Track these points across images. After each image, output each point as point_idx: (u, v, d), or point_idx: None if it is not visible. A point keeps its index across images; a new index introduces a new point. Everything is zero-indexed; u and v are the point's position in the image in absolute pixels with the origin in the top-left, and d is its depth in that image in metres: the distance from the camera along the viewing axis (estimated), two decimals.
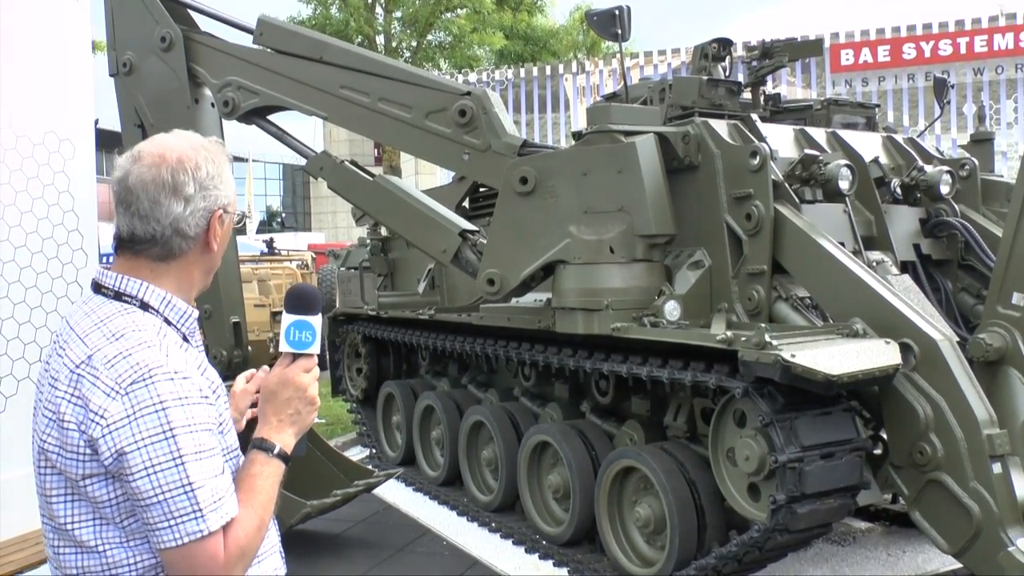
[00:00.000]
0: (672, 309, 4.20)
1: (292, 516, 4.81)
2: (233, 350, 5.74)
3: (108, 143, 12.52)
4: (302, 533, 5.52)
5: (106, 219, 7.18)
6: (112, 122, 6.11)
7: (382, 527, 5.95)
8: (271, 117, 5.69)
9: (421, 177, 18.85)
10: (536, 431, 5.38)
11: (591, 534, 4.96)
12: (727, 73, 5.68)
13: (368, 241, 8.04)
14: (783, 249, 4.28)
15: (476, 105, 4.75)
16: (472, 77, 18.64)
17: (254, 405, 1.95)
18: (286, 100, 5.40)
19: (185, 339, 1.60)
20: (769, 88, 6.29)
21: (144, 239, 1.57)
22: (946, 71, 14.03)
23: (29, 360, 4.07)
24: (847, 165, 4.61)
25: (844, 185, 4.58)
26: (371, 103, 5.10)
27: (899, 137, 5.59)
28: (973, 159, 5.37)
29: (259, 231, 30.18)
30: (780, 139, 4.93)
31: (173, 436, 1.42)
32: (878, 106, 6.37)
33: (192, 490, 1.42)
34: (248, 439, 1.65)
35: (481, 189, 6.62)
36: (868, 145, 5.27)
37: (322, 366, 7.23)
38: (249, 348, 6.10)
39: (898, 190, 5.11)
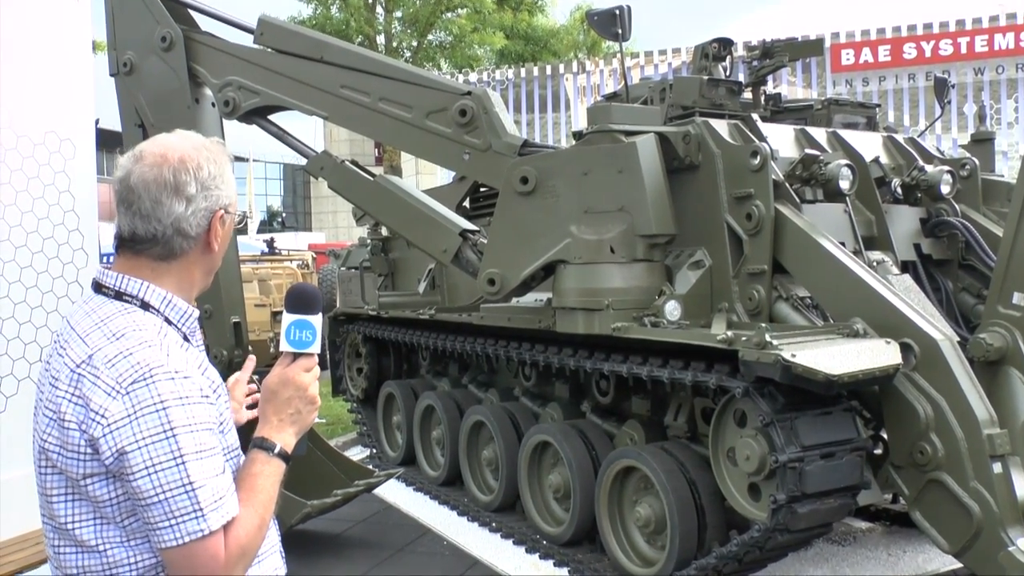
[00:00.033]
0: (672, 309, 4.20)
1: (292, 516, 4.81)
2: (234, 350, 5.74)
3: (109, 143, 12.53)
4: (302, 533, 5.52)
5: (107, 219, 7.18)
6: (113, 122, 6.11)
7: (382, 527, 5.95)
8: (272, 117, 5.69)
9: (422, 177, 18.84)
10: (536, 431, 5.38)
11: (591, 534, 4.96)
12: (728, 73, 5.68)
13: (368, 241, 8.05)
14: (784, 249, 4.28)
15: (477, 105, 4.75)
16: (473, 77, 18.64)
17: (253, 406, 1.95)
18: (287, 100, 5.40)
19: (186, 339, 1.61)
20: (770, 88, 6.29)
21: (145, 239, 1.57)
22: (947, 71, 14.04)
23: (30, 360, 4.07)
24: (848, 165, 4.61)
25: (845, 185, 4.58)
26: (371, 103, 5.10)
27: (900, 137, 5.59)
28: (974, 159, 5.37)
29: (260, 231, 30.20)
30: (781, 139, 4.93)
31: (174, 435, 1.42)
32: (879, 106, 6.37)
33: (193, 489, 1.42)
34: (248, 439, 1.65)
35: (482, 189, 6.62)
36: (869, 145, 5.27)
37: (322, 366, 7.22)
38: (250, 348, 6.10)
39: (899, 190, 5.11)
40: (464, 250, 4.81)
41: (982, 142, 5.79)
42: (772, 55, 5.67)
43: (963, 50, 15.16)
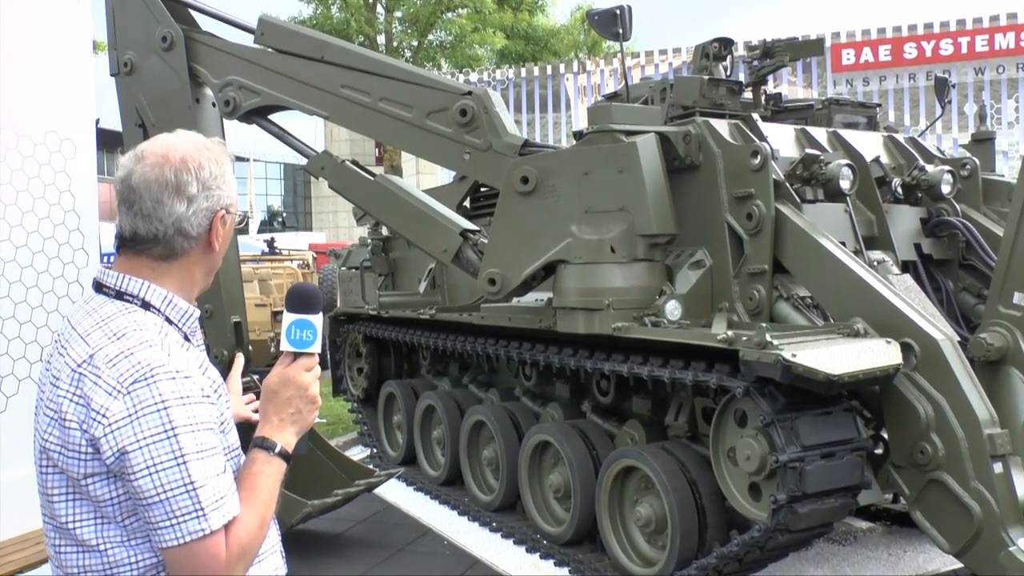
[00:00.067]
0: (673, 309, 4.20)
1: (293, 515, 4.81)
2: (234, 350, 5.74)
3: (109, 143, 12.53)
4: (303, 533, 5.52)
5: (107, 219, 7.18)
6: (113, 122, 6.11)
7: (383, 527, 5.95)
8: (272, 117, 5.69)
9: (422, 177, 18.83)
10: (537, 431, 5.38)
11: (592, 534, 4.96)
12: (728, 73, 5.68)
13: (369, 241, 8.05)
14: (784, 249, 4.28)
15: (477, 105, 4.75)
16: (473, 77, 18.63)
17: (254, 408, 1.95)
18: (287, 100, 5.40)
19: (186, 338, 1.61)
20: (770, 88, 6.29)
21: (146, 238, 1.57)
22: (947, 70, 14.03)
23: (30, 360, 4.07)
24: (848, 165, 4.61)
25: (845, 185, 4.58)
26: (372, 103, 5.10)
27: (900, 137, 5.59)
28: (974, 159, 5.37)
29: (260, 231, 30.24)
30: (781, 139, 4.93)
31: (175, 435, 1.42)
32: (879, 105, 6.37)
33: (194, 489, 1.42)
34: (249, 438, 1.65)
35: (482, 189, 6.62)
36: (869, 145, 5.27)
37: (323, 365, 7.22)
38: (250, 348, 6.10)
39: (899, 190, 5.11)
40: (464, 250, 4.81)
41: (982, 142, 5.79)
42: (772, 55, 5.68)
43: (964, 50, 15.16)
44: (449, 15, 22.72)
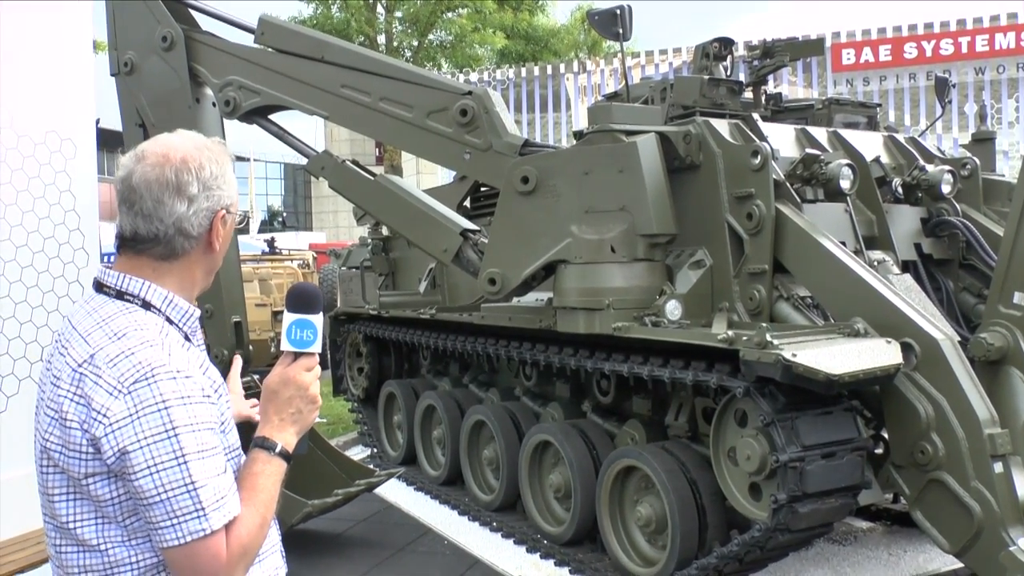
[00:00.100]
0: (673, 308, 4.20)
1: (293, 515, 4.81)
2: (234, 349, 5.74)
3: (109, 143, 12.52)
4: (303, 532, 5.53)
5: (107, 219, 7.18)
6: (113, 122, 6.11)
7: (383, 526, 5.95)
8: (272, 116, 5.69)
9: (422, 176, 18.83)
10: (537, 430, 5.38)
11: (592, 533, 4.96)
12: (728, 72, 5.68)
13: (369, 240, 8.04)
14: (784, 248, 4.28)
15: (477, 104, 4.76)
16: (473, 76, 18.62)
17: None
18: (287, 99, 5.40)
19: (187, 338, 1.61)
20: (770, 87, 6.29)
21: (147, 238, 1.57)
22: (947, 70, 14.02)
23: (31, 359, 4.07)
24: (848, 164, 4.61)
25: (845, 184, 4.58)
26: (372, 102, 5.10)
27: (900, 136, 5.59)
28: (974, 158, 5.37)
29: (260, 231, 30.24)
30: (781, 138, 4.93)
31: (176, 435, 1.42)
32: (879, 105, 6.37)
33: (195, 489, 1.42)
34: (249, 438, 1.65)
35: (482, 188, 6.62)
36: (869, 144, 5.27)
37: (323, 365, 7.22)
38: (251, 347, 6.10)
39: (899, 189, 5.11)
40: (465, 250, 4.81)
41: (983, 142, 5.79)
42: (773, 55, 5.68)
43: (964, 49, 15.15)
44: (449, 15, 22.71)
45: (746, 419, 3.84)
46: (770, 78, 6.03)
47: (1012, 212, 4.04)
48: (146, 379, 1.43)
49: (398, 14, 22.87)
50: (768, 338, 3.46)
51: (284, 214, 49.09)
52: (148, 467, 1.41)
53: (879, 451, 4.07)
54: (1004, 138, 14.00)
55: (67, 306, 4.17)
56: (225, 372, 1.67)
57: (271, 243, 18.56)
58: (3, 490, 3.75)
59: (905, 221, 5.05)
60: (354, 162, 5.46)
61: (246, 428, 1.81)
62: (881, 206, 4.88)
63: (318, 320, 1.69)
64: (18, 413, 3.91)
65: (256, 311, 10.70)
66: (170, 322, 1.58)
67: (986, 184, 5.35)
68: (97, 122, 4.77)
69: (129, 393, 1.43)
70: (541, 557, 5.10)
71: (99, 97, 4.70)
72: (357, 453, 7.72)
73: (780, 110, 5.91)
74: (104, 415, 1.43)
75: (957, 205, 5.14)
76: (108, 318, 1.53)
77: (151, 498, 1.42)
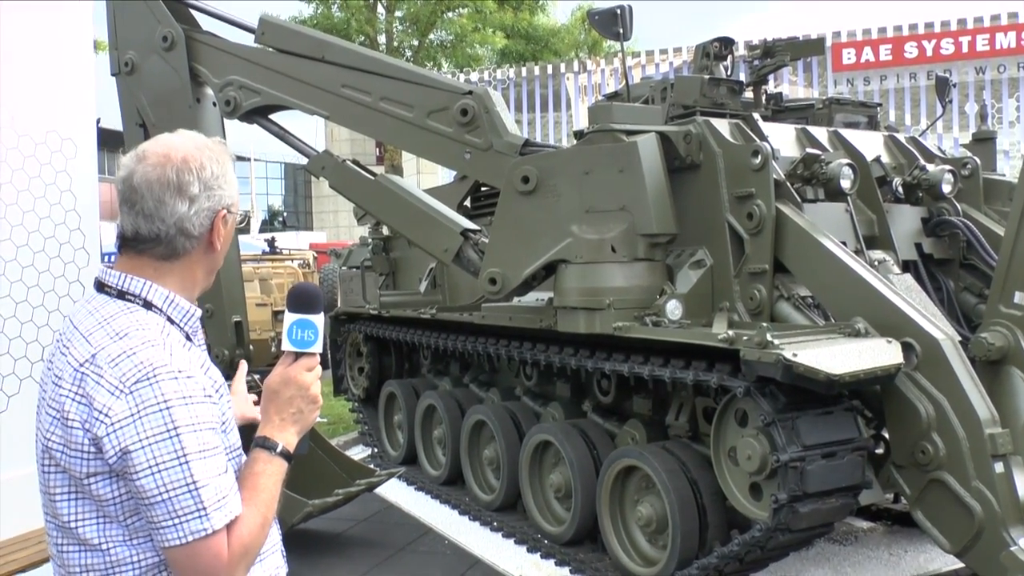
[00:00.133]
0: (674, 308, 4.20)
1: (294, 515, 4.81)
2: (235, 349, 5.75)
3: (110, 142, 12.54)
4: (304, 532, 5.53)
5: (108, 218, 7.19)
6: (114, 121, 6.12)
7: (384, 526, 5.95)
8: (273, 116, 5.70)
9: (423, 176, 18.82)
10: (538, 430, 5.38)
11: (593, 533, 4.96)
12: (729, 72, 5.68)
13: (370, 240, 8.04)
14: (785, 248, 4.28)
15: (478, 104, 4.76)
16: (474, 76, 18.63)
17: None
18: (288, 99, 5.41)
19: (188, 338, 1.61)
20: (771, 87, 6.29)
21: (148, 238, 1.58)
22: (948, 70, 14.03)
23: (31, 359, 4.07)
24: (849, 164, 4.61)
25: (846, 184, 4.58)
26: (373, 102, 5.10)
27: (901, 136, 5.59)
28: (975, 158, 5.37)
29: (261, 230, 30.23)
30: (782, 138, 4.93)
31: (177, 435, 1.42)
32: (880, 105, 6.36)
33: (196, 489, 1.42)
34: (250, 438, 1.65)
35: (483, 188, 6.62)
36: (870, 144, 5.27)
37: (324, 365, 7.23)
38: (251, 347, 6.11)
39: (900, 189, 5.11)
40: (465, 249, 4.81)
41: (983, 141, 5.79)
42: (773, 54, 5.67)
43: (964, 49, 15.15)
44: (449, 15, 22.73)
45: (747, 419, 3.84)
46: (770, 78, 6.03)
47: (1013, 212, 4.03)
48: (148, 379, 1.43)
49: (398, 14, 22.89)
50: (769, 338, 3.46)
51: (284, 214, 49.09)
52: (150, 467, 1.41)
53: (880, 451, 4.07)
54: (1005, 138, 13.99)
55: (68, 306, 4.17)
56: (225, 372, 1.67)
57: (272, 243, 18.55)
58: (4, 490, 3.75)
59: (906, 221, 5.05)
60: (355, 162, 5.46)
61: (247, 428, 1.81)
62: (882, 206, 4.88)
63: (319, 320, 1.69)
64: (19, 413, 3.91)
65: (256, 311, 10.70)
66: (171, 322, 1.58)
67: (987, 184, 5.35)
68: (98, 122, 4.77)
69: (131, 393, 1.43)
70: (542, 557, 5.10)
71: (99, 97, 4.70)
72: (357, 453, 7.72)
73: (780, 110, 5.91)
74: (106, 415, 1.43)
75: (958, 205, 5.14)
76: (109, 318, 1.53)
77: (153, 498, 1.42)
